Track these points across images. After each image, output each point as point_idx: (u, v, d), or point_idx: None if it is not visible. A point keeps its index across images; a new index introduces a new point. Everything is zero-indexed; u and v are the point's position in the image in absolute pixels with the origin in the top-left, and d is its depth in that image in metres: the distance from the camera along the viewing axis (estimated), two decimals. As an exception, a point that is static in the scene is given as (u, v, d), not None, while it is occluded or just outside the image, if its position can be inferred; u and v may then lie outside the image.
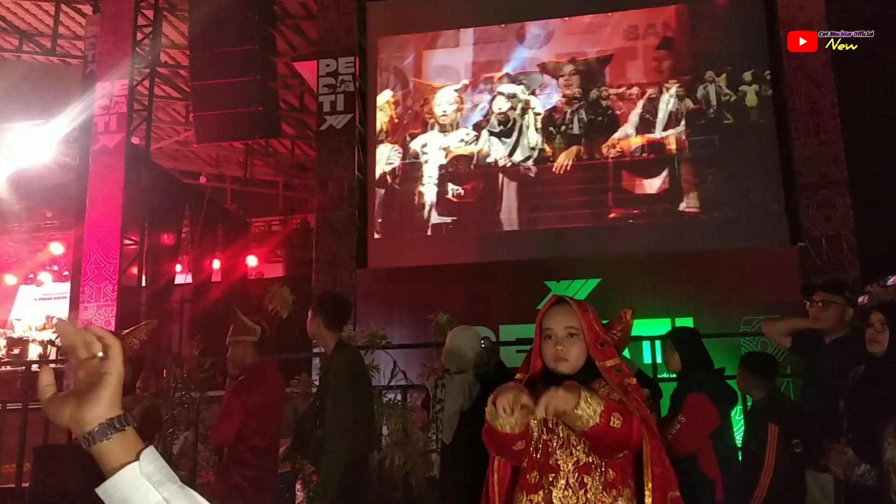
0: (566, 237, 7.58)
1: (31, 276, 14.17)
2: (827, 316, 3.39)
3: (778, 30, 7.29)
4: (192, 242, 11.19)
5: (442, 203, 7.88)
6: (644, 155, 7.58)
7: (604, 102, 7.76)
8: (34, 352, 11.51)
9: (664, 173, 7.48)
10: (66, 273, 12.64)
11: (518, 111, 7.92)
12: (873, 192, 6.95)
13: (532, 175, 7.76)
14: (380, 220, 8.01)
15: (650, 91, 7.68)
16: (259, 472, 3.43)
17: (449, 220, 7.84)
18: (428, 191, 7.94)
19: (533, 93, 7.94)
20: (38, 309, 13.90)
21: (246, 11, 8.28)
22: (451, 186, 7.89)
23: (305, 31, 11.17)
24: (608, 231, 7.51)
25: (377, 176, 8.08)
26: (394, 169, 8.07)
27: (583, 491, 1.85)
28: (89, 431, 0.86)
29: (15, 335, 12.47)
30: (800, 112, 7.11)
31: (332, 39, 8.29)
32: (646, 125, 7.62)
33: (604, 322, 2.09)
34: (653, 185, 7.50)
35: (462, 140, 7.97)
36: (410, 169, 8.02)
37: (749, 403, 3.90)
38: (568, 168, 7.69)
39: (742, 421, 4.03)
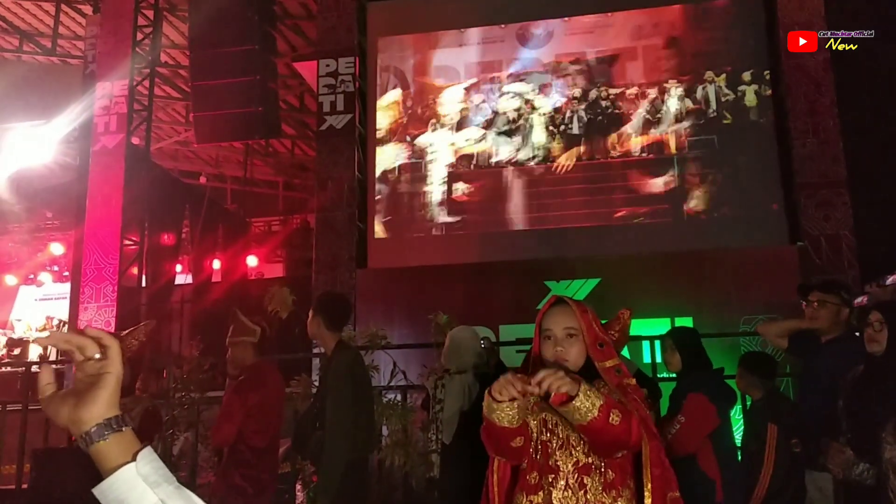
0: (566, 237, 7.58)
1: (32, 276, 14.16)
2: (822, 316, 3.39)
3: (777, 30, 7.29)
4: (192, 242, 11.19)
5: (448, 202, 7.88)
6: (644, 155, 7.58)
7: (603, 103, 7.76)
8: (34, 352, 11.50)
9: (665, 173, 7.49)
10: (67, 273, 12.64)
11: (524, 110, 7.91)
12: (872, 191, 6.95)
13: (538, 174, 7.76)
14: (388, 219, 8.01)
15: (651, 91, 7.68)
16: (259, 473, 3.42)
17: (455, 220, 7.85)
18: (434, 190, 7.94)
19: (539, 92, 7.93)
20: (39, 309, 13.90)
21: (246, 11, 8.29)
22: (457, 186, 7.89)
23: (305, 32, 11.17)
24: (608, 231, 7.51)
25: (384, 175, 8.08)
26: (400, 168, 8.07)
27: (582, 492, 1.85)
28: (87, 431, 0.86)
29: (15, 336, 12.47)
30: (799, 112, 7.11)
31: (332, 39, 8.29)
32: (648, 125, 7.62)
33: (602, 322, 2.09)
34: (654, 185, 7.50)
35: (468, 139, 7.97)
36: (417, 168, 8.03)
37: (748, 403, 3.90)
38: (570, 168, 7.69)
39: (741, 420, 4.03)
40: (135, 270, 8.52)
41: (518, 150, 7.83)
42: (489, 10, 8.27)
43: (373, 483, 4.79)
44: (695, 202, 7.42)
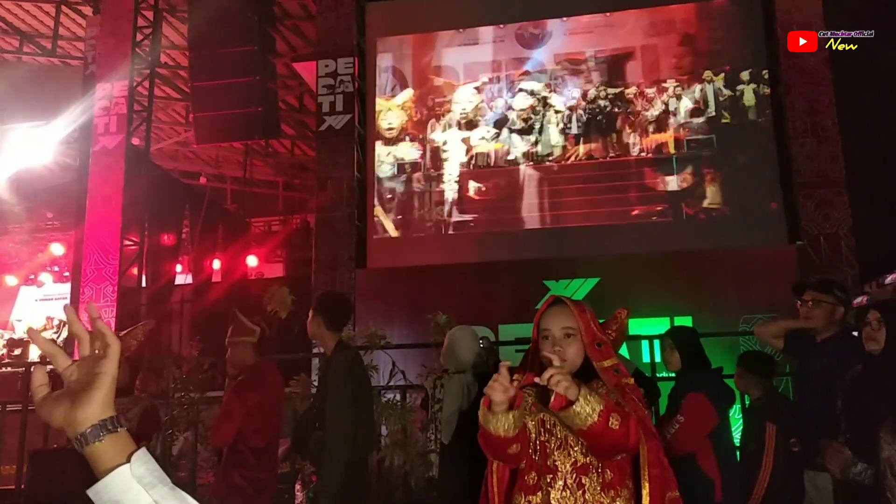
0: (565, 236, 7.58)
1: (32, 276, 14.16)
2: (817, 315, 3.38)
3: (776, 29, 7.30)
4: (192, 243, 11.18)
5: (462, 201, 7.88)
6: (644, 155, 7.58)
7: (602, 103, 7.76)
8: (35, 353, 11.50)
9: (664, 173, 7.49)
10: (67, 274, 12.65)
11: (539, 108, 7.90)
12: (871, 191, 6.96)
13: (543, 173, 7.76)
14: (399, 218, 8.01)
15: (651, 91, 7.68)
16: (259, 473, 3.43)
17: (467, 219, 7.85)
18: (448, 188, 7.94)
19: (553, 90, 7.92)
20: (39, 310, 13.90)
21: (245, 12, 8.30)
22: (472, 184, 7.89)
23: (305, 32, 11.18)
24: (607, 230, 7.52)
25: (395, 173, 8.08)
26: (412, 166, 8.06)
27: (581, 492, 1.85)
28: (82, 433, 0.86)
29: (16, 336, 12.47)
30: (798, 112, 7.11)
31: (331, 40, 8.30)
32: (648, 125, 7.62)
33: (600, 321, 2.09)
34: (653, 184, 7.51)
35: (483, 137, 7.97)
36: (429, 167, 8.03)
37: (747, 402, 3.90)
38: (569, 168, 7.69)
39: (740, 420, 4.03)
40: (135, 271, 8.52)
41: (533, 147, 7.83)
42: (490, 10, 8.27)
43: (373, 483, 4.79)
44: (694, 202, 7.42)
